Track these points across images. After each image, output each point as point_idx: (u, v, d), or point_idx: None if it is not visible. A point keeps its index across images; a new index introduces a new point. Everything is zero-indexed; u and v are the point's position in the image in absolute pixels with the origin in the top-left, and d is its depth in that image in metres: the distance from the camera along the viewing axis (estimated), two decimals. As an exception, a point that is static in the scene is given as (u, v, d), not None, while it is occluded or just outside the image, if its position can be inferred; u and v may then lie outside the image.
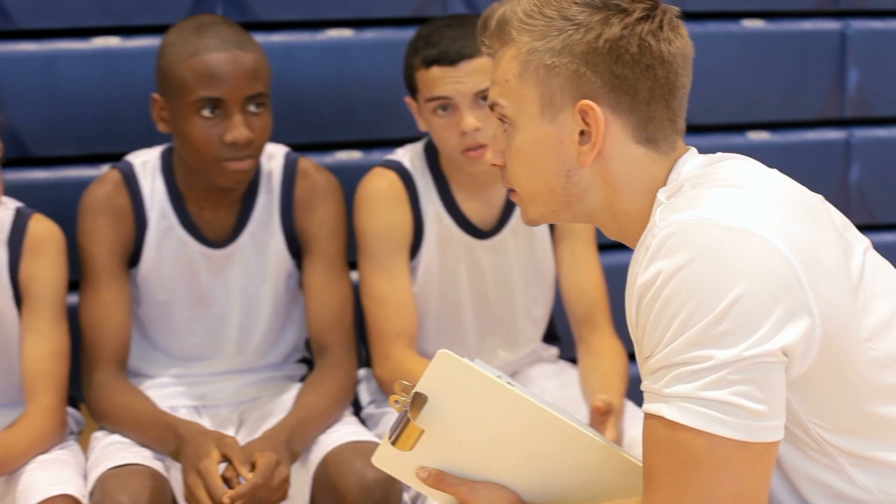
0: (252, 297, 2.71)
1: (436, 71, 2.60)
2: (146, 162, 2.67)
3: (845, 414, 1.63)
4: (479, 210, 2.75)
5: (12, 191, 2.80)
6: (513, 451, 1.74)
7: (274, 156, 2.72)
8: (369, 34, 3.07)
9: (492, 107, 1.74)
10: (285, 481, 2.38)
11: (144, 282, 2.68)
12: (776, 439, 1.57)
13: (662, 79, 1.68)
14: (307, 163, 2.73)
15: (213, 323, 2.71)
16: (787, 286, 1.55)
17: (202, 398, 2.71)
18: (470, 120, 2.57)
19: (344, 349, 2.68)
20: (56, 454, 2.50)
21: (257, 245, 2.69)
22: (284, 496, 2.39)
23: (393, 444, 1.72)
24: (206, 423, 2.66)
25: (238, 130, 2.51)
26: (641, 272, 1.60)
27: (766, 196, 1.64)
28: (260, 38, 2.95)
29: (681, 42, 1.70)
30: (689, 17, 3.12)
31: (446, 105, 2.60)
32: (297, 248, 2.72)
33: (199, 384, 2.72)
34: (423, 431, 1.71)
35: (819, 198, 1.75)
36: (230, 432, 2.63)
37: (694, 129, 3.21)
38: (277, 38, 3.04)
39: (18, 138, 2.93)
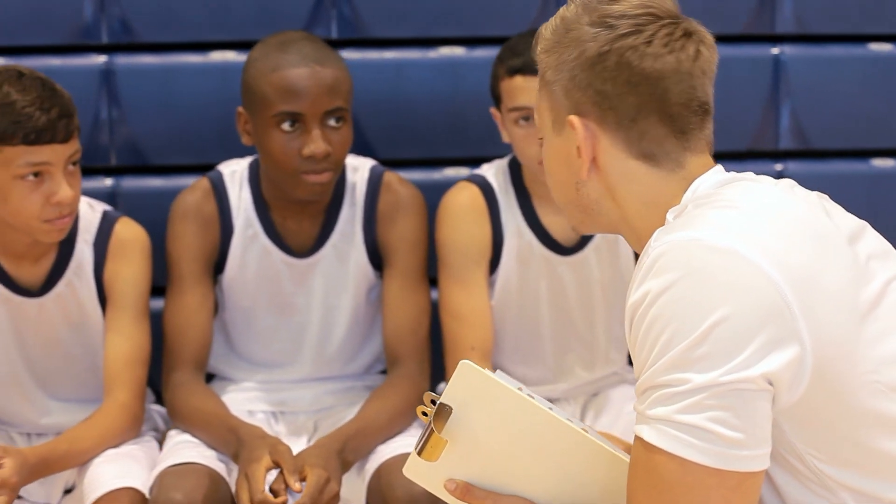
0: (332, 307, 2.76)
1: (518, 80, 2.61)
2: (235, 172, 2.76)
3: (844, 445, 1.58)
4: (562, 226, 2.73)
5: (130, 197, 2.94)
6: (535, 465, 1.74)
7: (359, 169, 2.77)
8: (481, 52, 3.08)
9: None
10: (335, 498, 2.40)
11: (229, 288, 2.76)
12: (754, 469, 1.53)
13: (648, 95, 1.66)
14: (392, 176, 2.77)
15: (294, 331, 2.77)
16: (773, 312, 1.51)
17: (281, 404, 2.77)
18: None
19: (415, 362, 2.70)
20: (127, 449, 2.59)
21: (339, 256, 2.74)
22: None
23: (419, 454, 1.75)
24: (281, 429, 2.72)
25: (316, 144, 2.56)
26: (633, 291, 1.59)
27: (765, 219, 1.60)
28: (372, 54, 3.02)
29: (677, 57, 1.67)
30: (813, 39, 3.11)
31: (528, 115, 2.60)
32: (378, 260, 2.76)
33: (278, 390, 2.78)
34: (447, 443, 1.73)
35: (857, 224, 1.70)
36: (304, 439, 2.69)
37: (815, 155, 3.17)
38: (390, 55, 3.09)
39: (137, 147, 3.06)
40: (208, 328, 2.71)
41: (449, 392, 1.73)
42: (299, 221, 2.73)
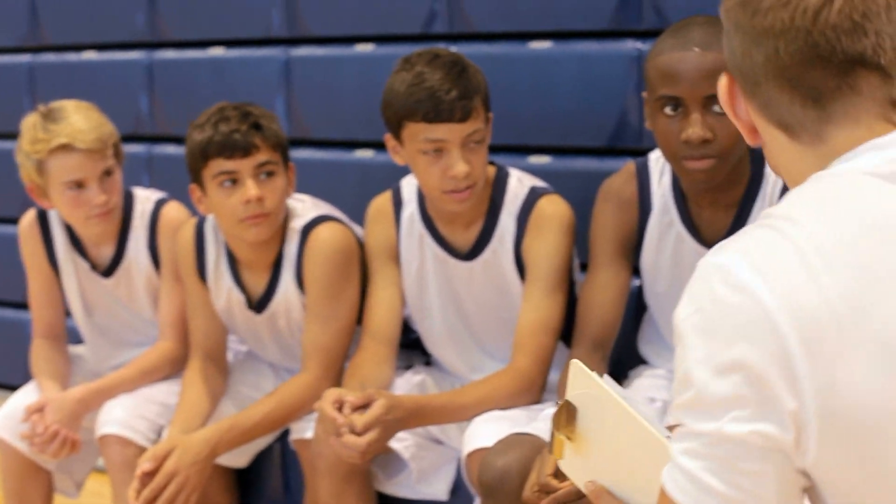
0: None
1: None
2: (659, 158, 2.73)
3: None
4: None
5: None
6: (644, 479, 1.68)
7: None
8: None
9: None
10: None
11: (645, 271, 2.75)
12: None
13: (763, 56, 1.46)
14: None
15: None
16: (773, 366, 1.34)
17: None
18: None
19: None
20: (514, 413, 2.66)
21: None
22: None
23: (550, 449, 1.78)
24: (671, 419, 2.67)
25: (693, 129, 2.47)
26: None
27: (809, 240, 1.37)
28: None
29: (792, 11, 1.44)
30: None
31: None
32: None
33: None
34: (565, 442, 1.73)
35: None
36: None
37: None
38: None
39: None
40: (613, 307, 2.70)
41: (569, 391, 1.71)
42: (714, 212, 2.64)
